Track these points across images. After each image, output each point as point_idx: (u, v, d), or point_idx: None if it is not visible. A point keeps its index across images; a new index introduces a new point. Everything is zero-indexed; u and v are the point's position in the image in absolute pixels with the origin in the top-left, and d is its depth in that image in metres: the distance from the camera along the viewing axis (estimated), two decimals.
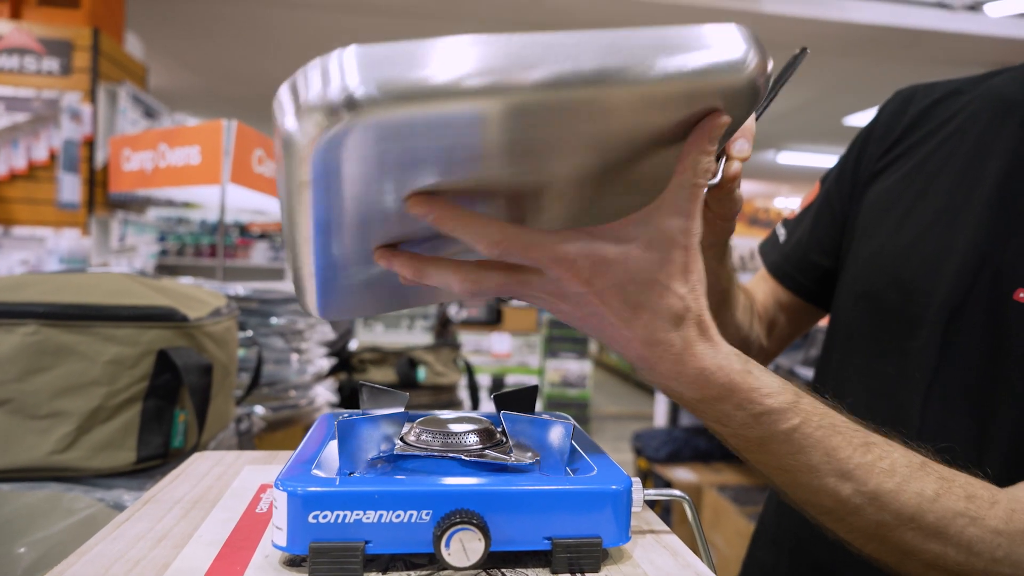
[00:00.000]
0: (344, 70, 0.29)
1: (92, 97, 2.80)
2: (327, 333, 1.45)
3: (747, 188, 10.01)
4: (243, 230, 4.88)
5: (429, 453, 0.44)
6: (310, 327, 1.36)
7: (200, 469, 0.56)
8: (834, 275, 0.75)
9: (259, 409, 1.19)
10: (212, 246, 4.10)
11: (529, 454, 0.44)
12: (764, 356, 0.79)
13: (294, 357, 1.31)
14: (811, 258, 0.76)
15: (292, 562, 0.39)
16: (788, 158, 7.61)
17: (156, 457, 0.77)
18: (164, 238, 4.02)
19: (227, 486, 0.52)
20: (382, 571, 0.38)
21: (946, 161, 0.64)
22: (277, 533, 0.37)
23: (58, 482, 0.71)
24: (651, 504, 0.48)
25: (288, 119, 0.30)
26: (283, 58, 4.69)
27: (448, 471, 0.42)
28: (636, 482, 0.42)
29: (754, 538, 0.79)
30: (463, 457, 0.44)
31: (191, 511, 0.46)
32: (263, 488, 0.51)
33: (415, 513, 0.37)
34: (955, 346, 0.58)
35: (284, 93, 0.30)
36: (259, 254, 4.41)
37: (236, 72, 5.16)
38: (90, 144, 2.81)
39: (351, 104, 0.28)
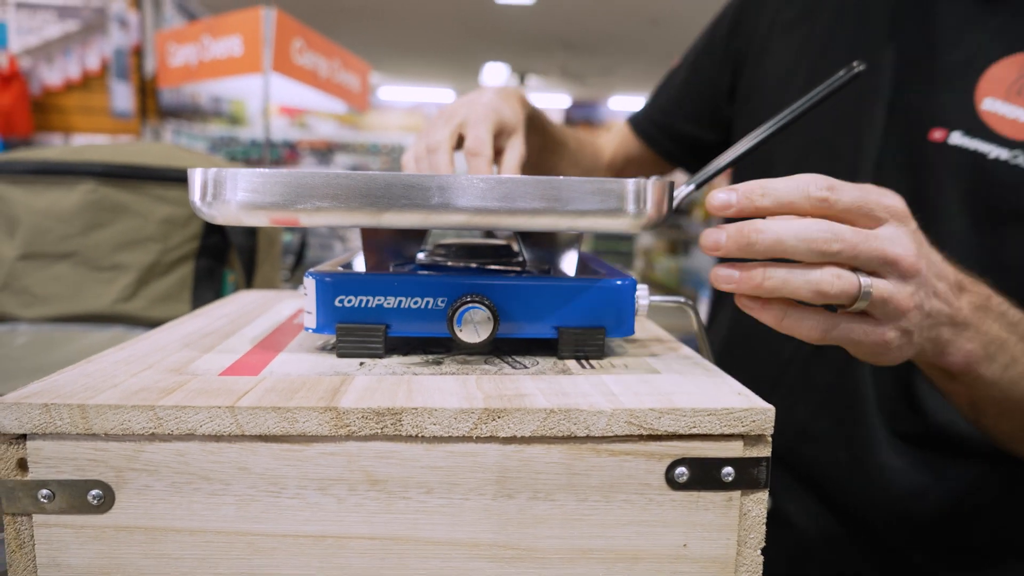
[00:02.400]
0: None
1: (138, 3, 2.83)
2: None
3: None
4: (292, 147, 4.94)
5: (448, 263, 0.47)
6: None
7: (245, 299, 0.61)
8: (702, 143, 0.80)
9: None
10: (262, 160, 4.18)
11: (545, 268, 0.47)
12: None
13: (337, 244, 1.36)
14: (678, 126, 0.82)
15: (323, 347, 0.43)
16: None
17: None
18: (215, 152, 4.11)
19: (269, 309, 0.56)
20: (403, 355, 0.42)
21: (836, 19, 0.67)
22: (307, 317, 0.41)
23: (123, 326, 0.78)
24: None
25: None
26: None
27: (464, 272, 0.45)
28: (643, 288, 0.44)
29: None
30: (479, 266, 0.47)
31: (236, 319, 0.51)
32: (301, 311, 0.56)
33: (431, 300, 0.40)
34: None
35: None
36: (307, 167, 4.48)
37: None
38: (139, 53, 2.86)
39: None
